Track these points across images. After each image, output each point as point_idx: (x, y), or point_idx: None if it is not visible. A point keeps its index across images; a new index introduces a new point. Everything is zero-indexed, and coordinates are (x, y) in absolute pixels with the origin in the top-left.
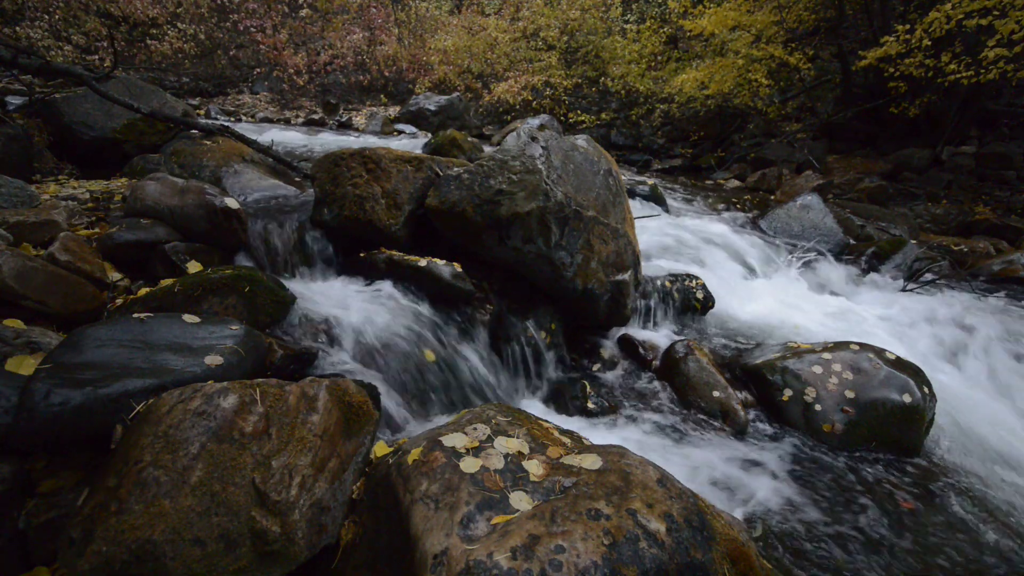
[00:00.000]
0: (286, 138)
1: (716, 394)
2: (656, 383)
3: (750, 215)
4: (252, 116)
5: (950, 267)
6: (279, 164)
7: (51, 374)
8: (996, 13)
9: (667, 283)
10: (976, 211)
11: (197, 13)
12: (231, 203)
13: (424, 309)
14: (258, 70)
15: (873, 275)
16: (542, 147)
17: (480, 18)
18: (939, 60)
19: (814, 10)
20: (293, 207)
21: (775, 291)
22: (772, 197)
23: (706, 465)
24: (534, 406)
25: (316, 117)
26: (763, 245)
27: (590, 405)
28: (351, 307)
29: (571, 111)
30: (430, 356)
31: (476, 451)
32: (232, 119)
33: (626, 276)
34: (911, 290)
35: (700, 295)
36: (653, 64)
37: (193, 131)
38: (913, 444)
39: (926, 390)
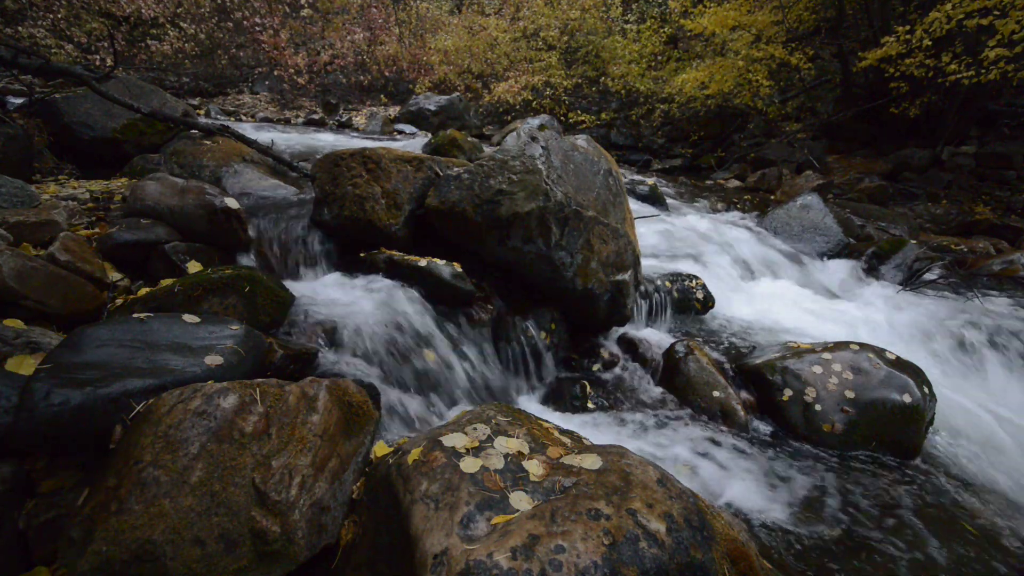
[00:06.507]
0: (286, 138)
1: (716, 394)
2: (656, 383)
3: (750, 215)
4: (252, 116)
5: (950, 267)
6: (279, 164)
7: (51, 374)
8: (996, 13)
9: (667, 283)
10: (976, 211)
11: (198, 13)
12: (231, 203)
13: (424, 309)
14: (258, 70)
15: (873, 275)
16: (542, 147)
17: (480, 18)
18: (939, 60)
19: (814, 10)
20: (293, 207)
21: (775, 291)
22: (772, 197)
23: (706, 465)
24: (534, 406)
25: (316, 117)
26: (763, 245)
27: (590, 405)
28: (351, 307)
29: (571, 111)
30: (430, 356)
31: (476, 451)
32: (232, 119)
33: (626, 276)
34: (911, 290)
35: (700, 295)
36: (653, 64)
37: (193, 131)
38: (913, 444)
39: (926, 390)
